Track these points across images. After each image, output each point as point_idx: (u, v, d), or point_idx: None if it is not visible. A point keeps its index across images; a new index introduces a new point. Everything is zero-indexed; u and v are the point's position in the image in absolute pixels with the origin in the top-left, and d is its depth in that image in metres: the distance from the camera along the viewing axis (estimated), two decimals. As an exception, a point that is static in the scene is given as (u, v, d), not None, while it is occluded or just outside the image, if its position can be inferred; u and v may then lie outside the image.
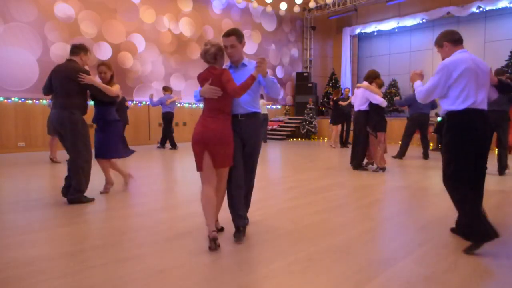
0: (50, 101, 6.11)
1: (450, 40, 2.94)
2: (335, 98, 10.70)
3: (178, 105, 12.22)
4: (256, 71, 2.78)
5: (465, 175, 2.82)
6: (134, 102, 11.15)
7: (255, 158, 3.15)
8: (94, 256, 2.65)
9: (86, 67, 4.33)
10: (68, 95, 4.11)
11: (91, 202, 4.19)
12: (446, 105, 2.90)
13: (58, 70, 4.17)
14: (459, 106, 2.81)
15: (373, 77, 6.44)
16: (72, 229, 3.30)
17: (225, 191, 3.06)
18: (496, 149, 6.25)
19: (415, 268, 2.46)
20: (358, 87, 6.58)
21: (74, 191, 4.14)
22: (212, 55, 2.86)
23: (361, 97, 6.44)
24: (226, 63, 3.05)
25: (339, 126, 10.84)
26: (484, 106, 2.85)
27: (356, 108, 6.59)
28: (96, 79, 4.30)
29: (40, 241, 2.98)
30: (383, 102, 6.26)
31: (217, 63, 2.90)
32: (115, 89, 4.38)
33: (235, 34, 2.90)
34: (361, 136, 6.52)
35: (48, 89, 4.28)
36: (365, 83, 6.45)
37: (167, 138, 10.22)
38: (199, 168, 2.90)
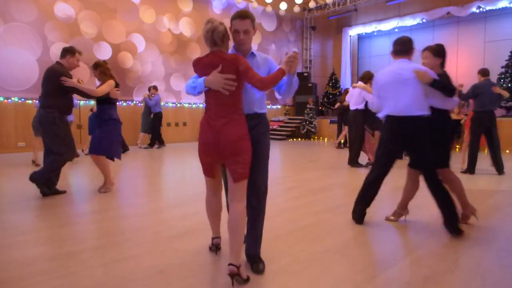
0: (38, 102, 6.20)
1: (393, 51, 3.31)
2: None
3: (178, 105, 12.24)
4: (287, 66, 2.31)
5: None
6: (134, 102, 11.15)
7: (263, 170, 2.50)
8: (94, 256, 2.65)
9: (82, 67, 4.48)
10: (46, 95, 4.38)
11: (53, 195, 4.45)
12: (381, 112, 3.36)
13: (45, 71, 4.44)
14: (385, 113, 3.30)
15: (368, 78, 6.58)
16: (72, 229, 3.30)
17: (245, 212, 2.35)
18: (487, 149, 6.26)
19: (415, 268, 2.46)
20: (354, 87, 6.70)
21: (40, 172, 4.35)
22: (221, 34, 2.28)
23: (358, 97, 6.58)
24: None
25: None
26: (406, 112, 3.14)
27: (352, 107, 6.73)
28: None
29: (40, 241, 2.98)
30: None
31: (224, 46, 2.34)
32: (102, 88, 4.50)
33: (250, 17, 2.36)
34: (358, 135, 6.68)
35: None
36: (361, 83, 6.57)
37: (156, 138, 10.35)
38: (206, 173, 2.46)
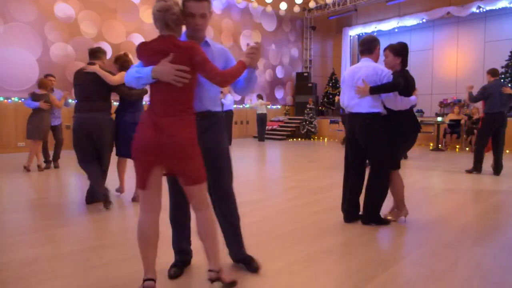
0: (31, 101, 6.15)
1: (359, 52, 3.46)
2: None
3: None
4: (248, 59, 2.02)
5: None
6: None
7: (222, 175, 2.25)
8: (94, 256, 2.65)
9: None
10: (98, 99, 3.98)
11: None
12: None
13: (85, 74, 3.98)
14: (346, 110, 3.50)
15: None
16: (72, 229, 3.30)
17: (214, 217, 2.14)
18: (492, 149, 6.27)
19: (415, 268, 2.46)
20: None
21: (93, 188, 4.08)
22: (175, 16, 1.92)
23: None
24: None
25: None
26: (357, 109, 3.29)
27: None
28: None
29: (40, 241, 2.98)
30: None
31: (177, 31, 1.99)
32: (115, 78, 4.01)
33: (208, 0, 2.04)
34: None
35: None
36: None
37: None
38: (142, 185, 1.98)
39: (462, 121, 10.24)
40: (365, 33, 15.48)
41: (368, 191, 3.36)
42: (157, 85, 1.93)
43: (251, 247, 2.84)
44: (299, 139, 13.89)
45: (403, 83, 3.15)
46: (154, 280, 2.04)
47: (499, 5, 11.45)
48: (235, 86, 2.24)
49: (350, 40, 15.91)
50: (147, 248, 2.04)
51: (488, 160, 6.46)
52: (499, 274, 2.38)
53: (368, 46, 3.34)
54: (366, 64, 3.31)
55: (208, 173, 2.12)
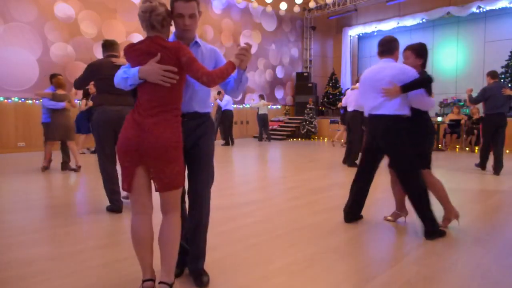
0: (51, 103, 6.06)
1: (377, 52, 3.33)
2: None
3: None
4: (237, 60, 1.97)
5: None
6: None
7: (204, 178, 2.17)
8: (94, 256, 2.65)
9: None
10: (129, 93, 3.78)
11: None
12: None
13: (115, 67, 3.59)
14: (365, 113, 3.39)
15: None
16: (72, 229, 3.30)
17: (179, 224, 2.07)
18: (492, 149, 6.34)
19: (415, 268, 2.46)
20: (353, 89, 6.84)
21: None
22: (161, 17, 1.91)
23: (355, 99, 6.67)
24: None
25: None
26: (382, 111, 3.13)
27: (351, 109, 6.86)
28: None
29: (40, 241, 2.98)
30: None
31: (164, 32, 1.97)
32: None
33: (196, 0, 2.00)
34: (356, 135, 6.81)
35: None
36: (358, 84, 6.60)
37: None
38: (127, 187, 1.96)
39: (462, 121, 10.24)
40: (365, 33, 15.50)
41: (413, 205, 3.08)
42: (145, 85, 1.92)
43: (251, 246, 2.84)
44: (299, 139, 13.89)
45: (433, 77, 3.05)
46: (153, 280, 2.03)
47: (499, 5, 11.45)
48: (226, 87, 2.19)
49: (350, 40, 15.91)
50: (142, 250, 2.02)
51: (491, 160, 6.47)
52: (499, 274, 2.38)
53: (388, 46, 3.21)
54: (389, 65, 3.16)
55: (188, 175, 2.11)
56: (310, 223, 3.47)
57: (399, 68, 3.10)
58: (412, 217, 3.59)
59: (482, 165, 6.54)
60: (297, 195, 4.62)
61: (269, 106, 12.71)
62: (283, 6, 13.90)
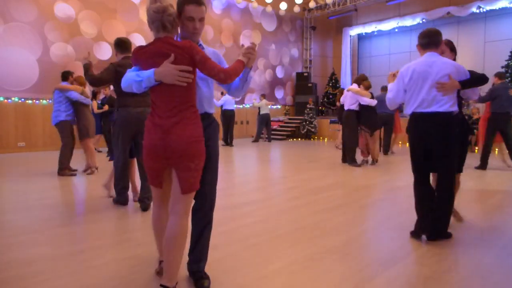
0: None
1: (420, 44, 3.06)
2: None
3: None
4: (245, 58, 2.05)
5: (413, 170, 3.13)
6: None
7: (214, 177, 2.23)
8: (94, 256, 2.65)
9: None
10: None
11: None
12: (405, 109, 3.13)
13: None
14: (409, 110, 3.06)
15: (361, 80, 7.12)
16: (72, 229, 3.30)
17: (186, 227, 2.03)
18: (497, 149, 6.75)
19: (415, 268, 2.46)
20: (348, 90, 7.14)
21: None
22: (172, 17, 1.94)
23: (351, 98, 7.02)
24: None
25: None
26: (433, 108, 2.91)
27: (346, 107, 7.15)
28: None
29: (40, 241, 2.98)
30: (372, 102, 6.92)
31: (173, 33, 1.99)
32: None
33: (205, 4, 2.12)
34: (352, 134, 7.10)
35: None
36: (355, 85, 7.08)
37: None
38: (153, 182, 2.08)
39: (462, 121, 10.23)
40: (365, 33, 15.49)
41: (443, 205, 2.98)
42: (160, 87, 1.92)
43: (251, 247, 2.84)
44: (299, 139, 13.89)
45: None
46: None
47: (499, 5, 11.45)
48: (230, 87, 2.21)
49: (350, 40, 15.91)
50: (160, 236, 2.19)
51: (493, 160, 6.47)
52: (499, 274, 2.38)
53: (435, 39, 3.01)
54: (441, 59, 2.97)
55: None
56: (310, 223, 3.47)
57: (453, 64, 2.96)
58: (412, 217, 3.59)
59: (483, 166, 6.60)
60: (297, 195, 4.62)
61: (269, 106, 12.69)
62: (283, 6, 13.90)
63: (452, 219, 3.25)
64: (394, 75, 3.28)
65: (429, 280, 2.28)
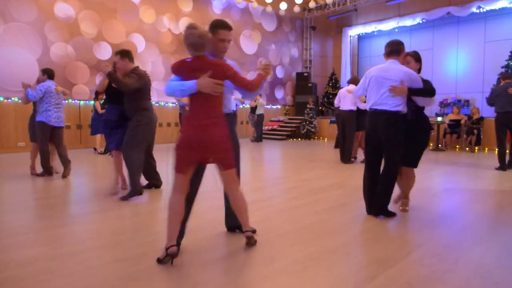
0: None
1: (384, 52, 3.62)
2: None
3: (174, 105, 12.22)
4: (264, 72, 2.63)
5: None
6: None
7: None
8: (94, 256, 2.66)
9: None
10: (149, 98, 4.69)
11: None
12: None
13: (147, 76, 4.58)
14: (366, 106, 3.69)
15: (357, 81, 7.32)
16: (72, 229, 3.30)
17: (241, 196, 2.68)
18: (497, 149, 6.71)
19: (415, 268, 2.46)
20: (349, 92, 7.30)
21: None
22: (208, 41, 2.47)
23: (352, 99, 7.31)
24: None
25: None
26: (381, 106, 3.49)
27: (347, 108, 7.42)
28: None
29: (40, 241, 2.98)
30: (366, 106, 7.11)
31: (204, 51, 2.51)
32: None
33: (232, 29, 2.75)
34: (352, 133, 7.44)
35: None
36: (353, 86, 7.28)
37: None
38: (181, 170, 2.47)
39: (462, 121, 10.24)
40: (365, 33, 15.49)
41: (382, 185, 3.55)
42: (198, 95, 2.42)
43: (251, 247, 2.84)
44: (299, 139, 13.89)
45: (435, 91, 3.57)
46: (177, 247, 2.49)
47: (499, 5, 11.44)
48: (245, 93, 2.70)
49: (350, 40, 15.90)
50: (174, 220, 2.49)
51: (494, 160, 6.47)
52: (499, 274, 2.38)
53: (397, 48, 3.55)
54: (397, 66, 3.51)
55: None
56: (310, 223, 3.47)
57: (404, 72, 3.47)
58: (412, 217, 3.59)
59: (502, 167, 6.60)
60: (297, 195, 4.62)
61: (268, 106, 12.67)
62: (283, 6, 13.89)
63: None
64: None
65: (429, 280, 2.28)
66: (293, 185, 5.33)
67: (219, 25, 2.63)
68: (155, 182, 5.01)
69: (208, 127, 2.41)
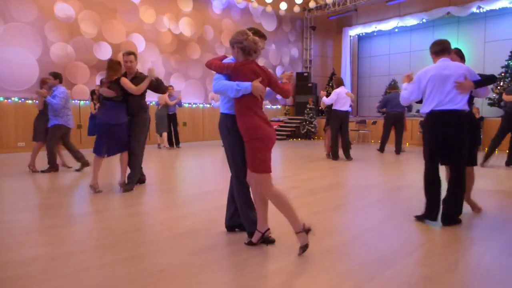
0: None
1: (433, 52, 3.49)
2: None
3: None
4: (289, 82, 2.94)
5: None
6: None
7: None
8: (94, 256, 2.65)
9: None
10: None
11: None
12: (422, 109, 3.52)
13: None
14: (426, 109, 3.43)
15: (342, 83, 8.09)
16: (72, 229, 3.30)
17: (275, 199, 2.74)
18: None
19: (415, 268, 2.46)
20: (349, 95, 7.90)
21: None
22: (258, 48, 2.71)
23: (346, 100, 7.84)
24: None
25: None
26: (450, 106, 3.29)
27: (344, 109, 7.88)
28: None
29: (40, 241, 2.98)
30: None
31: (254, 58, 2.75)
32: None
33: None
34: (347, 132, 7.99)
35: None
36: (344, 89, 7.94)
37: (170, 138, 10.40)
38: (271, 169, 2.70)
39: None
40: (365, 33, 15.48)
41: (453, 192, 3.35)
42: (251, 96, 2.62)
43: (251, 247, 2.84)
44: (299, 139, 13.89)
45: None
46: (269, 229, 2.82)
47: (499, 5, 11.44)
48: (269, 96, 3.03)
49: (350, 40, 15.89)
50: (288, 208, 2.67)
51: (495, 159, 6.46)
52: (499, 274, 2.38)
53: (446, 46, 3.43)
54: (453, 63, 3.41)
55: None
56: (310, 223, 3.44)
57: (466, 67, 3.39)
58: (412, 217, 3.59)
59: (485, 161, 6.78)
60: (297, 195, 4.62)
61: (268, 106, 12.69)
62: (283, 6, 13.89)
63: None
64: (408, 76, 3.64)
65: (429, 280, 2.28)
66: (293, 185, 5.33)
67: (256, 33, 2.85)
68: (141, 177, 5.20)
69: (270, 124, 2.72)
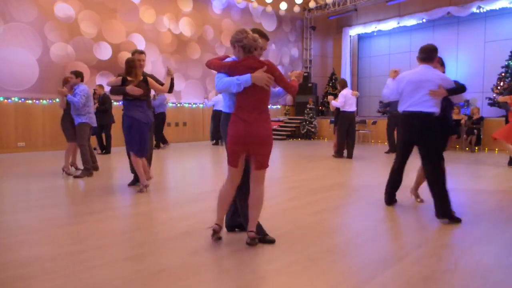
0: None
1: (418, 57, 3.78)
2: None
3: (178, 105, 12.23)
4: (297, 79, 2.92)
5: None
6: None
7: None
8: (94, 256, 2.65)
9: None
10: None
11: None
12: (398, 107, 3.89)
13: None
14: (400, 109, 3.83)
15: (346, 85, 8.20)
16: (72, 229, 3.30)
17: (263, 191, 2.83)
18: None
19: (415, 268, 2.46)
20: (354, 94, 8.04)
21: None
22: (259, 45, 2.74)
23: (353, 100, 7.96)
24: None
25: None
26: (418, 108, 3.64)
27: (352, 109, 8.06)
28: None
29: (40, 241, 2.98)
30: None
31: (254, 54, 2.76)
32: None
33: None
34: (354, 132, 8.22)
35: None
36: (348, 90, 8.02)
37: (159, 138, 10.24)
38: (234, 164, 2.74)
39: (462, 121, 10.24)
40: (365, 33, 15.49)
41: (434, 187, 3.58)
42: (249, 90, 2.64)
43: (251, 247, 2.84)
44: (299, 139, 13.90)
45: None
46: (220, 226, 2.84)
47: (499, 5, 11.44)
48: (277, 95, 3.09)
49: (350, 40, 15.89)
50: (223, 204, 2.81)
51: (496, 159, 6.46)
52: (499, 274, 2.38)
53: (430, 55, 3.72)
54: (432, 71, 3.71)
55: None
56: (310, 223, 3.47)
57: (441, 76, 3.72)
58: (412, 217, 3.59)
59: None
60: (297, 195, 4.62)
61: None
62: (283, 6, 13.89)
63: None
64: (396, 72, 3.99)
65: (429, 280, 2.28)
66: (293, 185, 5.33)
67: (258, 33, 2.87)
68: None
69: (256, 121, 2.64)
